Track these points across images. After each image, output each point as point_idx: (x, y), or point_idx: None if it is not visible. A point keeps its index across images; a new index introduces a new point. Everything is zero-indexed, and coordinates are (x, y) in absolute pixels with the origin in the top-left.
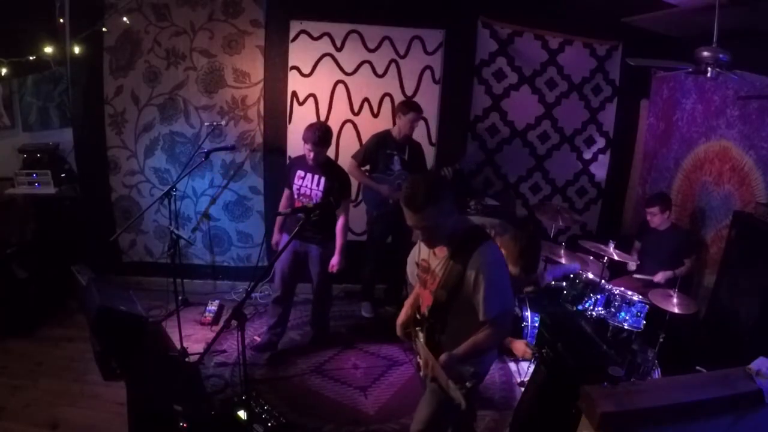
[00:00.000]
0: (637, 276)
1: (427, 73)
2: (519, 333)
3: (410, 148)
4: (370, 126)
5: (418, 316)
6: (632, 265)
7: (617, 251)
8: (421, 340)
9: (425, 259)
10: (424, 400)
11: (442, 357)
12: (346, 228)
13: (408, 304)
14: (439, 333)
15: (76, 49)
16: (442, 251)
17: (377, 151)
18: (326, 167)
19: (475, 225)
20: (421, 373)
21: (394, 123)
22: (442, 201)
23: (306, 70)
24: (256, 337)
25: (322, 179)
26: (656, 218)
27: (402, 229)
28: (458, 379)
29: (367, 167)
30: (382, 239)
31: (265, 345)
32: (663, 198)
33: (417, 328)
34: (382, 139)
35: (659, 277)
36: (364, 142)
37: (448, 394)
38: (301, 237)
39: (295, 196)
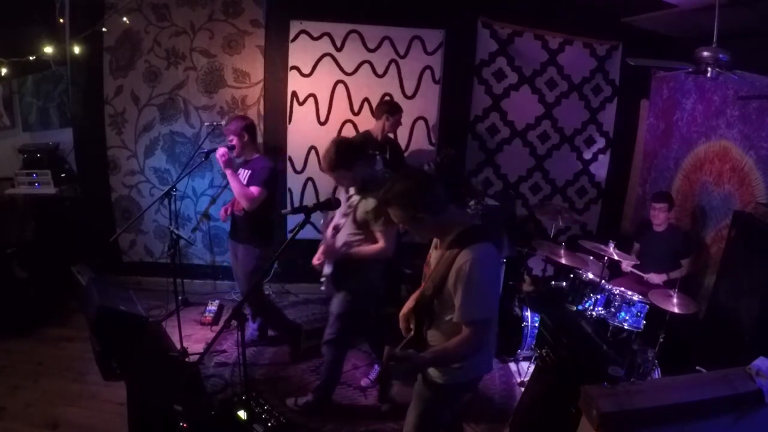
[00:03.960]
0: (633, 270)
1: (427, 73)
2: (519, 333)
3: (391, 148)
4: (370, 126)
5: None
6: (626, 266)
7: (617, 251)
8: (411, 333)
9: (430, 254)
10: (411, 404)
11: (406, 353)
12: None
13: (413, 297)
14: (427, 327)
15: (76, 49)
16: (442, 245)
17: None
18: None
19: (476, 224)
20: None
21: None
22: (411, 202)
23: (306, 70)
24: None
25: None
26: (661, 215)
27: None
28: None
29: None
30: None
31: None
32: (671, 197)
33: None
34: (363, 140)
35: (653, 278)
36: None
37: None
38: (233, 236)
39: None
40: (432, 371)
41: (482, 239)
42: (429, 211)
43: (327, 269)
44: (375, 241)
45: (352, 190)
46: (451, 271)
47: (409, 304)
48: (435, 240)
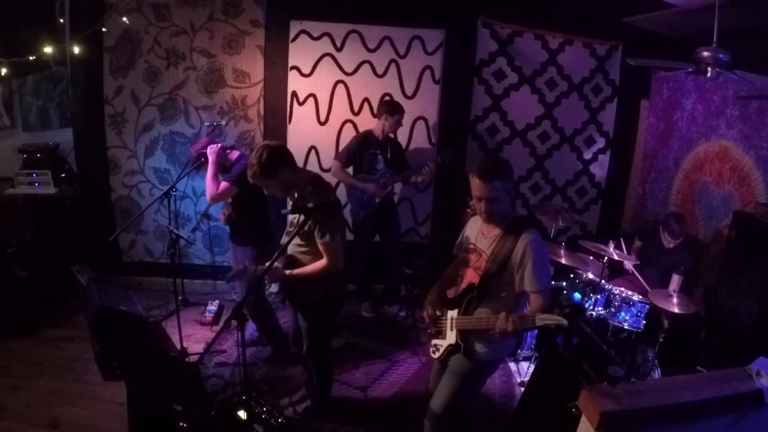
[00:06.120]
0: (634, 272)
1: (427, 73)
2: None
3: (392, 147)
4: (370, 126)
5: (447, 296)
6: (629, 265)
7: (617, 251)
8: (455, 316)
9: (473, 242)
10: (443, 383)
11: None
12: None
13: (436, 287)
14: (476, 306)
15: (76, 49)
16: (491, 232)
17: (361, 152)
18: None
19: (521, 215)
20: (439, 354)
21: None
22: (507, 180)
23: (306, 70)
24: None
25: None
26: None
27: (388, 227)
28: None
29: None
30: (370, 239)
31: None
32: (686, 224)
33: (445, 308)
34: (364, 139)
35: (674, 283)
36: None
37: (539, 326)
38: (231, 238)
39: None
40: (478, 346)
41: (532, 225)
42: (512, 191)
43: (274, 288)
44: (321, 255)
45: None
46: (515, 251)
47: (434, 294)
48: (478, 228)
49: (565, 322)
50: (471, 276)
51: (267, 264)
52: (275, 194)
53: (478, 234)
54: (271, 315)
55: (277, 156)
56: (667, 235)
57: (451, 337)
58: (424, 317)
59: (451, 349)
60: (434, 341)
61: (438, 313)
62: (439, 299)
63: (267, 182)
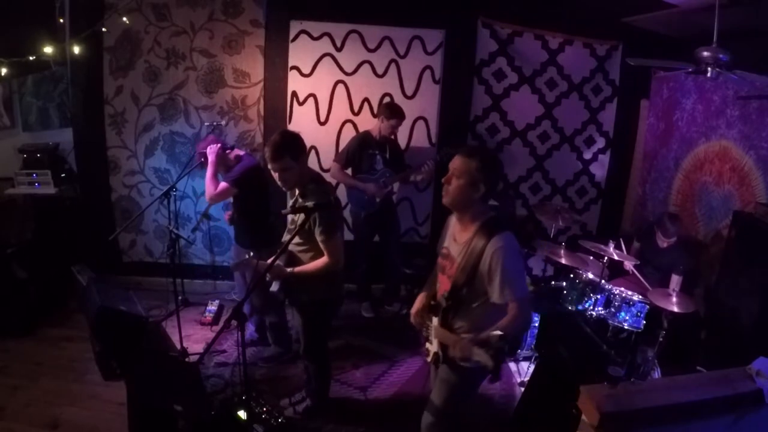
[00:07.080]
0: (635, 272)
1: (427, 73)
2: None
3: (391, 147)
4: (369, 126)
5: (432, 302)
6: (629, 265)
7: (617, 251)
8: (435, 323)
9: (446, 246)
10: (435, 390)
11: (469, 336)
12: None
13: (422, 295)
14: (452, 316)
15: (76, 49)
16: (462, 237)
17: (360, 152)
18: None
19: (496, 216)
20: (430, 359)
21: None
22: (486, 170)
23: (306, 70)
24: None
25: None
26: (667, 242)
27: (388, 227)
28: (484, 345)
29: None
30: (370, 239)
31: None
32: (680, 227)
33: (430, 314)
34: (363, 139)
35: (673, 283)
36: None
37: (473, 361)
38: (235, 239)
39: None
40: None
41: (504, 229)
42: (488, 186)
43: (274, 286)
44: (321, 254)
45: (290, 211)
46: (482, 260)
47: (421, 299)
48: (451, 232)
49: (490, 364)
50: (445, 284)
51: (269, 260)
52: (285, 183)
53: (451, 238)
54: (282, 312)
55: (302, 143)
56: (660, 234)
57: (435, 345)
58: (411, 322)
59: (436, 357)
60: (427, 345)
61: (425, 320)
62: (424, 306)
63: (287, 165)
